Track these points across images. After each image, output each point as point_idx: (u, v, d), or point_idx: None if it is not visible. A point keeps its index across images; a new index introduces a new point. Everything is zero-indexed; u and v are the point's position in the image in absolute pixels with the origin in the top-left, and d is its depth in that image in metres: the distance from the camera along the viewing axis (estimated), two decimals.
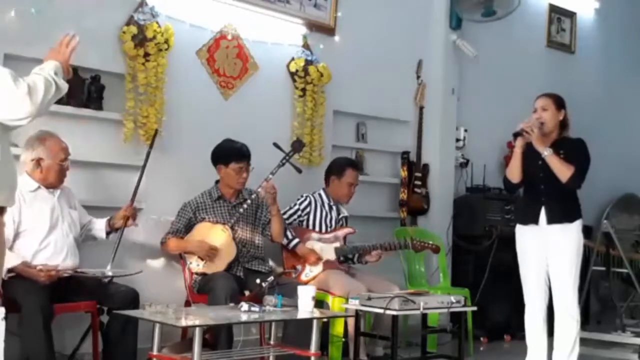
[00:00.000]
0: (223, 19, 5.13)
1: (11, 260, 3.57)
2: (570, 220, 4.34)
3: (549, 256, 4.35)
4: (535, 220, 4.36)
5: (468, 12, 6.30)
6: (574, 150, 4.36)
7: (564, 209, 4.34)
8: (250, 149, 4.58)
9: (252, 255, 4.61)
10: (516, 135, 4.37)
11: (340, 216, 5.09)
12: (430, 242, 5.10)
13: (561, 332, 4.33)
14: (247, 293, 4.32)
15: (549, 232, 4.33)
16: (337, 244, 4.95)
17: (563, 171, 4.26)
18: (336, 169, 5.07)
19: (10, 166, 2.63)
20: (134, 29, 4.61)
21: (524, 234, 4.46)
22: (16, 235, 3.80)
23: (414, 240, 5.05)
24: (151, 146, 4.43)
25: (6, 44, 4.16)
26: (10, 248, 3.68)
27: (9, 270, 3.59)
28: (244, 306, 3.66)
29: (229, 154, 4.53)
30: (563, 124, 4.43)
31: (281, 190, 4.83)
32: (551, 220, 4.32)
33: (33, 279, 3.67)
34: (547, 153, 4.26)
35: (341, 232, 5.01)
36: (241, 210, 4.52)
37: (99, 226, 4.23)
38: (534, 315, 4.43)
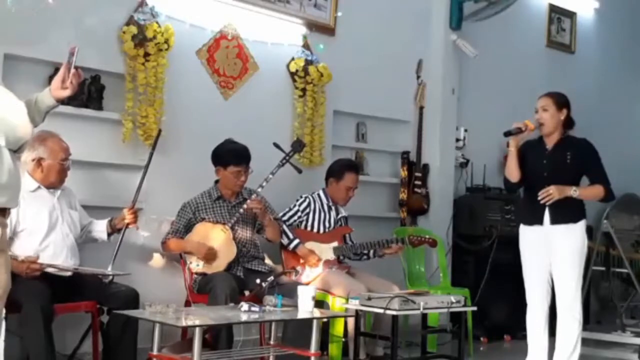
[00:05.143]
0: (223, 19, 5.13)
1: None
2: (574, 220, 4.34)
3: (552, 256, 4.35)
4: (539, 221, 4.35)
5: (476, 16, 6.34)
6: (587, 158, 4.37)
7: (568, 209, 4.32)
8: (250, 149, 4.58)
9: (252, 255, 4.61)
10: (507, 134, 4.37)
11: (339, 216, 5.09)
12: (427, 237, 5.11)
13: (563, 332, 4.33)
14: (247, 293, 4.31)
15: (553, 232, 4.33)
16: (336, 244, 4.95)
17: (596, 196, 4.35)
18: (335, 171, 5.06)
19: (15, 167, 2.63)
20: (134, 29, 4.61)
21: (527, 234, 4.46)
22: (14, 235, 3.78)
23: (410, 236, 5.06)
24: (154, 147, 4.41)
25: (6, 44, 4.16)
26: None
27: None
28: (244, 306, 3.66)
29: (228, 156, 4.52)
30: (566, 123, 4.43)
31: (281, 190, 4.86)
32: (555, 220, 4.32)
33: (18, 273, 3.64)
34: (575, 195, 4.27)
35: (339, 232, 5.02)
36: (241, 210, 4.51)
37: (100, 228, 4.22)
38: (536, 315, 4.43)
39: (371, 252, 5.06)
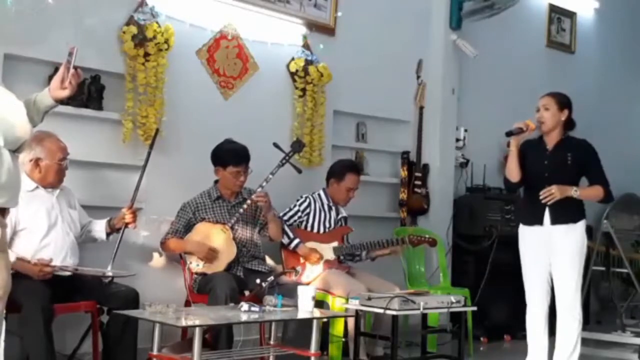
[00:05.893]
0: (223, 19, 5.13)
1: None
2: (574, 220, 4.34)
3: (552, 256, 4.35)
4: (539, 221, 4.35)
5: (474, 15, 6.34)
6: (587, 159, 4.38)
7: (568, 209, 4.32)
8: (250, 149, 4.58)
9: (252, 255, 4.61)
10: (509, 134, 4.37)
11: (339, 216, 5.09)
12: (427, 236, 5.11)
13: (563, 332, 4.33)
14: (247, 293, 4.31)
15: (553, 232, 4.33)
16: (336, 244, 4.95)
17: (596, 196, 4.37)
18: (337, 172, 5.06)
19: (14, 167, 2.63)
20: (134, 29, 4.61)
21: (527, 234, 4.45)
22: (14, 234, 3.78)
23: (410, 235, 5.05)
24: (151, 146, 4.42)
25: (6, 44, 4.16)
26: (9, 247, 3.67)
27: None
28: (244, 306, 3.66)
29: (227, 157, 4.52)
30: (567, 124, 4.43)
31: (281, 190, 4.85)
32: (555, 220, 4.32)
33: (29, 275, 3.66)
34: (576, 195, 4.27)
35: (340, 232, 5.02)
36: (241, 210, 4.51)
37: (99, 227, 4.22)
38: (536, 315, 4.42)
39: (363, 253, 5.05)
